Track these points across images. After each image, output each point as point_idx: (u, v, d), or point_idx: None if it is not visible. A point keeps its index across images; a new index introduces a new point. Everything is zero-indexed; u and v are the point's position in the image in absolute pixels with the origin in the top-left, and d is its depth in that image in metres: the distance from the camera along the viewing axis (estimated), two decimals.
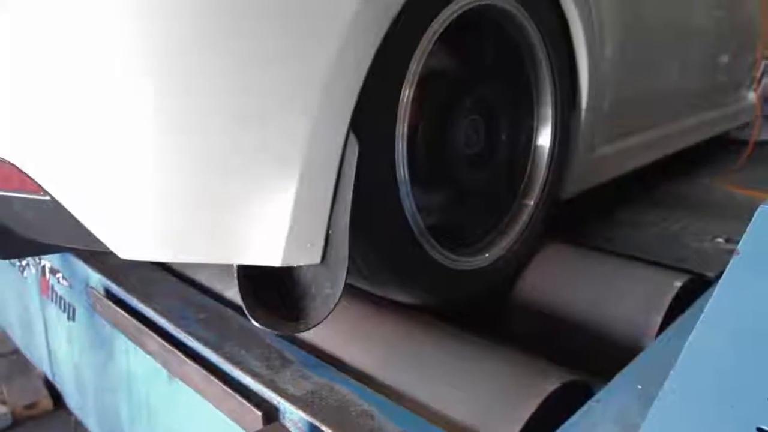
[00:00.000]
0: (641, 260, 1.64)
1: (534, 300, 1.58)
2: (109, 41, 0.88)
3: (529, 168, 1.59)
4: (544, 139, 1.57)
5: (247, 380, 1.13)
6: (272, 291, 1.13)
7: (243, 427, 1.11)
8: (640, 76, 1.99)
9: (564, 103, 1.59)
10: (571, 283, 1.57)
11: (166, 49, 0.88)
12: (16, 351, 2.60)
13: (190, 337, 1.27)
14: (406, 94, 1.16)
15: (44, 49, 0.90)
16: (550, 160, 1.58)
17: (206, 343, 1.23)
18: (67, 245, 1.10)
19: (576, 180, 1.76)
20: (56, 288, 1.96)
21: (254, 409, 1.06)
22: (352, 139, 1.03)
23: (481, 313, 1.56)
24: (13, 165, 0.96)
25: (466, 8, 1.25)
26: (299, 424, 1.03)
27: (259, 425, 1.05)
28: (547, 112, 1.56)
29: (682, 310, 1.31)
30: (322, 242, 1.04)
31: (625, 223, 2.01)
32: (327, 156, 1.01)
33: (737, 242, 0.98)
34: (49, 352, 2.20)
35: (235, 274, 1.09)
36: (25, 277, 2.24)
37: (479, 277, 1.44)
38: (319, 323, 1.07)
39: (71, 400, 2.14)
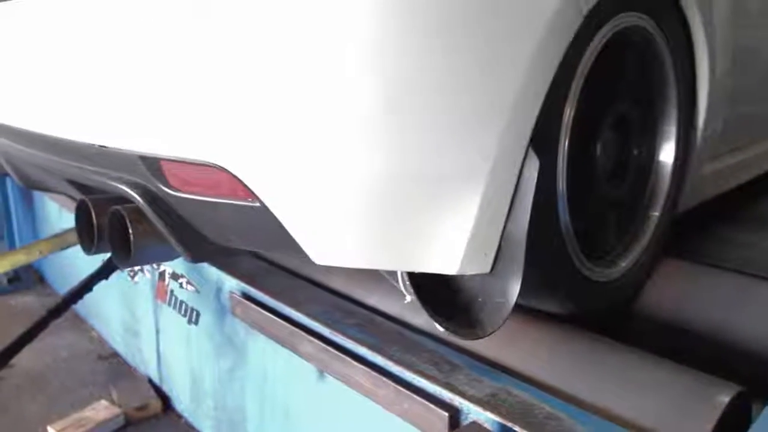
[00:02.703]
0: (761, 278, 1.65)
1: (658, 315, 1.61)
2: (328, 60, 0.94)
3: (652, 182, 1.63)
4: (667, 155, 1.62)
5: (422, 383, 1.17)
6: (442, 297, 1.18)
7: (419, 427, 1.15)
8: (747, 96, 2.03)
9: (686, 121, 1.64)
10: (696, 300, 1.60)
11: (383, 72, 0.94)
12: (115, 354, 2.69)
13: (350, 341, 1.32)
14: (568, 112, 1.21)
15: (265, 59, 0.96)
16: (672, 175, 1.62)
17: (370, 347, 1.28)
18: (258, 249, 1.16)
19: (688, 196, 1.80)
20: (177, 293, 2.03)
21: (440, 411, 1.10)
22: (532, 154, 1.08)
23: (604, 327, 1.59)
24: (228, 172, 1.02)
25: (617, 29, 1.30)
26: (486, 425, 1.07)
27: (444, 426, 1.09)
28: (671, 130, 1.61)
29: None
30: (493, 254, 1.09)
31: (730, 241, 2.02)
32: (508, 171, 1.06)
33: None
34: (159, 357, 2.27)
35: (403, 283, 1.14)
36: (136, 283, 2.32)
37: (613, 286, 1.48)
38: (495, 331, 1.11)
39: (181, 403, 2.21)
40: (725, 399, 1.09)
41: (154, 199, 1.14)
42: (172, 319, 2.10)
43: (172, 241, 1.15)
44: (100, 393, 2.35)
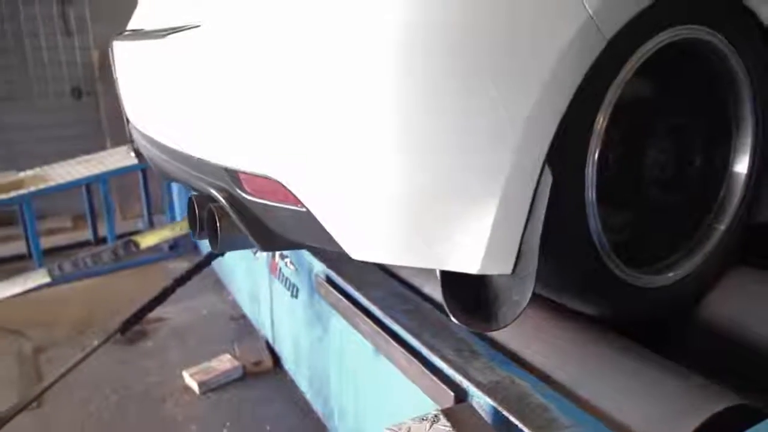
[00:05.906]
0: None
1: (718, 321, 1.61)
2: (359, 100, 1.13)
3: (722, 193, 1.60)
4: (741, 166, 1.57)
5: (442, 365, 1.36)
6: (469, 292, 1.35)
7: (436, 402, 1.35)
8: None
9: (765, 132, 1.59)
10: (759, 308, 1.59)
11: (414, 97, 1.10)
12: (243, 316, 3.14)
13: (395, 323, 1.54)
14: (600, 121, 1.26)
15: (309, 103, 1.18)
16: (746, 186, 1.58)
17: (408, 330, 1.49)
18: (309, 243, 1.41)
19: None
20: (283, 270, 2.38)
21: (448, 390, 1.29)
22: (547, 170, 1.19)
23: (662, 330, 1.64)
24: (281, 184, 1.28)
25: (668, 41, 1.31)
26: (484, 408, 1.25)
27: (451, 403, 1.29)
28: (747, 141, 1.55)
29: None
30: (513, 256, 1.23)
31: None
32: (524, 184, 1.17)
33: None
34: (272, 321, 2.66)
35: (438, 277, 1.32)
36: (257, 258, 2.72)
37: (663, 294, 1.51)
38: (507, 326, 1.26)
39: (287, 362, 2.57)
40: (715, 409, 1.15)
41: (234, 200, 1.43)
42: (280, 292, 2.45)
43: (246, 233, 1.44)
44: (226, 348, 2.80)
